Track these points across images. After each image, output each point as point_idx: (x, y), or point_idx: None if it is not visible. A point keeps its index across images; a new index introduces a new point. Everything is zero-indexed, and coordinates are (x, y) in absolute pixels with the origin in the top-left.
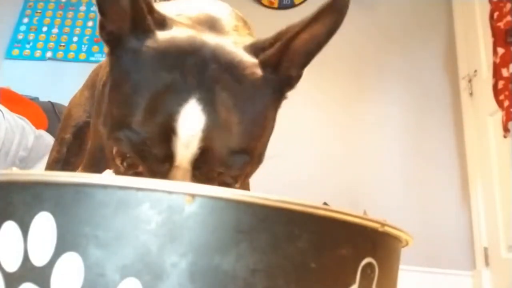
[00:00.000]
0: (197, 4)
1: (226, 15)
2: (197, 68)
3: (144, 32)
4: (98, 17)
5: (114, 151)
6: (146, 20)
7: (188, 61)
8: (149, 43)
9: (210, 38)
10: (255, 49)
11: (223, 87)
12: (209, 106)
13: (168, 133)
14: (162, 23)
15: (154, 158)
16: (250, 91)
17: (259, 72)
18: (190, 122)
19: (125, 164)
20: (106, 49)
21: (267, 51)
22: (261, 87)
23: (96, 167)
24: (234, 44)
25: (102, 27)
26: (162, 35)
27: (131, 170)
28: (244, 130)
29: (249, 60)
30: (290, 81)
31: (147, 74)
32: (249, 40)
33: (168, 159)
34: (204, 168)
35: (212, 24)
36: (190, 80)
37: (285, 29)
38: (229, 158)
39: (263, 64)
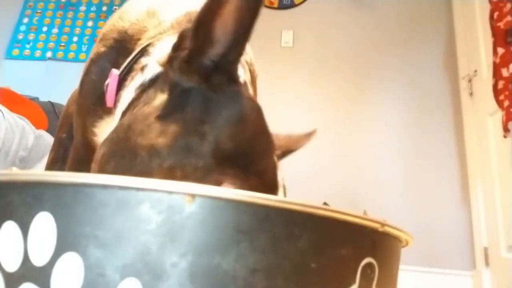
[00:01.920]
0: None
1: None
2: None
3: (218, 87)
4: (192, 44)
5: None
6: (225, 73)
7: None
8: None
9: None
10: None
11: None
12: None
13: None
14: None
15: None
16: None
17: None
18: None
19: None
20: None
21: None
22: None
23: (81, 164)
24: None
25: (191, 59)
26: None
27: None
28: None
29: None
30: None
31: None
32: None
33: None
34: None
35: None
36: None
37: (282, 139)
38: None
39: None
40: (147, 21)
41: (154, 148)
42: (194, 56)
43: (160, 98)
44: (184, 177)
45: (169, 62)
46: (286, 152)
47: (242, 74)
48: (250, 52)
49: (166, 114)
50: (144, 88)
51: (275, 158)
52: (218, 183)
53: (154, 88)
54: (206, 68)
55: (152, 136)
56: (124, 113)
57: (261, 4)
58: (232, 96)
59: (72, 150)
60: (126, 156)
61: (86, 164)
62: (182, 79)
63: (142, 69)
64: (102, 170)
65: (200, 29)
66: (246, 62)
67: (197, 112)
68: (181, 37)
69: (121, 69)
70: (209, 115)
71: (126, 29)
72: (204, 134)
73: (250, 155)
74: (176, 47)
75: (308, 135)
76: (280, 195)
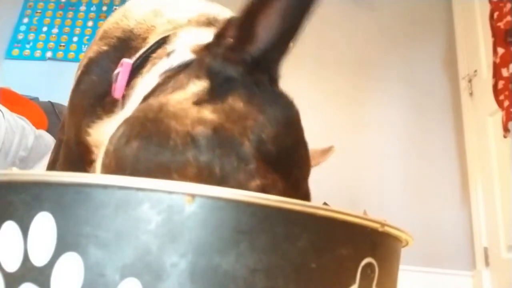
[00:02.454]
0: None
1: None
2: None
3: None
4: (239, 33)
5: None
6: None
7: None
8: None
9: None
10: None
11: None
12: None
13: None
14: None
15: None
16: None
17: None
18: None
19: None
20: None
21: None
22: None
23: (73, 164)
24: None
25: (242, 47)
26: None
27: None
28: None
29: None
30: None
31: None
32: None
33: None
34: None
35: None
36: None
37: None
38: None
39: None
40: (154, 20)
41: (191, 135)
42: (239, 45)
43: (196, 85)
44: (223, 177)
45: (209, 48)
46: None
47: None
48: None
49: (204, 101)
50: (172, 74)
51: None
52: (259, 190)
53: (185, 74)
54: (248, 62)
55: (189, 122)
56: (146, 98)
57: (312, 5)
58: (276, 96)
59: (64, 148)
60: (154, 139)
61: (78, 163)
62: (225, 68)
63: (168, 54)
64: (120, 151)
65: (247, 19)
66: None
67: (240, 105)
68: (227, 25)
69: (135, 58)
70: (253, 110)
71: (132, 28)
72: (246, 131)
73: (291, 162)
74: (220, 35)
75: (325, 152)
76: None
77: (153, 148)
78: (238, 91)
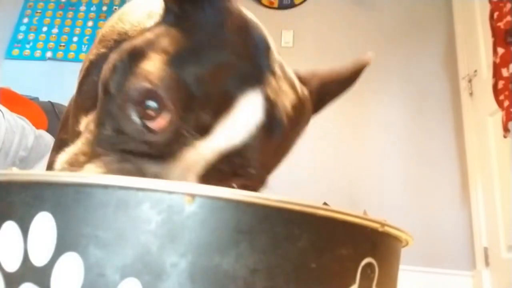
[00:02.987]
0: None
1: None
2: (275, 67)
3: None
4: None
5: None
6: None
7: (269, 52)
8: (241, 12)
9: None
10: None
11: (285, 97)
12: (270, 107)
13: (226, 105)
14: None
15: (194, 120)
16: (303, 114)
17: (307, 98)
18: (252, 110)
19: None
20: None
21: (309, 85)
22: (307, 116)
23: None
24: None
25: None
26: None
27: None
28: (282, 146)
29: (302, 88)
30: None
31: (229, 38)
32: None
33: (203, 130)
34: (225, 165)
35: None
36: (263, 73)
37: (321, 72)
38: (254, 164)
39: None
40: (148, 22)
41: (112, 64)
42: None
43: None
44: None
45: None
46: (326, 85)
47: None
48: None
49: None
50: None
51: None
52: (135, 83)
53: None
54: None
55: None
56: None
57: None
58: (220, 15)
59: (71, 152)
60: None
61: None
62: (166, 3)
63: None
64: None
65: None
66: None
67: (162, 31)
68: None
69: None
70: (172, 36)
71: (127, 30)
72: (159, 49)
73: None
74: None
75: (357, 66)
76: (245, 118)
77: None
78: (170, 23)
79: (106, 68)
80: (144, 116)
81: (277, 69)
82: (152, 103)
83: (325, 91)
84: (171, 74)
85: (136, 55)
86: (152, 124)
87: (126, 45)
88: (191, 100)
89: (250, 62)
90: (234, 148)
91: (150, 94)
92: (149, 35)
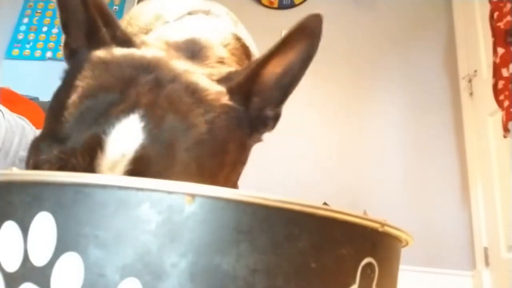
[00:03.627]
0: (188, 27)
1: (216, 44)
2: (149, 86)
3: (99, 45)
4: (63, 36)
5: (31, 161)
6: (100, 32)
7: (141, 77)
8: (101, 54)
9: (178, 64)
10: (226, 79)
11: (177, 109)
12: (153, 125)
13: (94, 147)
14: (126, 41)
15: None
16: (209, 118)
17: (224, 99)
18: (123, 139)
19: None
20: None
21: (236, 79)
22: (224, 117)
23: None
24: (207, 75)
25: (65, 45)
26: (119, 50)
27: None
28: (191, 160)
29: (215, 87)
30: (265, 121)
31: (89, 82)
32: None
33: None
34: None
35: (193, 53)
36: (138, 96)
37: (256, 59)
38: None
39: (230, 93)
40: (153, 24)
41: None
42: (65, 31)
43: None
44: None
45: None
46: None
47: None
48: (254, 49)
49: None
50: None
51: None
52: None
53: None
54: (71, 40)
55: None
56: None
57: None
58: (80, 63)
59: None
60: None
61: None
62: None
63: None
64: None
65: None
66: (237, 37)
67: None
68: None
69: None
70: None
71: (135, 34)
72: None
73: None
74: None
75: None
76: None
77: None
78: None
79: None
80: None
81: (158, 84)
82: None
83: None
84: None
85: None
86: None
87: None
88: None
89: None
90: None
91: None
92: None
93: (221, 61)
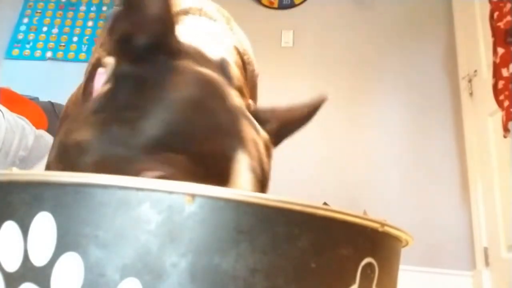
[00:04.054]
0: (192, 34)
1: (231, 62)
2: (245, 120)
3: (172, 54)
4: (123, 28)
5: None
6: (171, 38)
7: (230, 104)
8: (186, 67)
9: (235, 95)
10: (259, 121)
11: (257, 146)
12: (255, 163)
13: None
14: (185, 52)
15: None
16: (270, 158)
17: (267, 143)
18: (244, 172)
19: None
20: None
21: (268, 128)
22: (271, 156)
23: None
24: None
25: (127, 44)
26: (194, 65)
27: None
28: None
29: (262, 131)
30: None
31: (186, 96)
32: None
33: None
34: None
35: (225, 75)
36: (241, 130)
37: (280, 111)
38: None
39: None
40: None
41: (80, 144)
42: (125, 36)
43: (102, 91)
44: (106, 170)
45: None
46: (285, 125)
47: (232, 58)
48: (249, 49)
49: (100, 105)
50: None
51: (237, 141)
52: (139, 172)
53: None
54: (140, 47)
55: (82, 132)
56: None
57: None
58: (166, 73)
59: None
60: (63, 157)
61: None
62: (117, 65)
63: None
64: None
65: (130, 8)
66: (240, 51)
67: (129, 98)
68: (115, 19)
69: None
70: (140, 99)
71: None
72: (132, 121)
73: (186, 137)
74: (110, 31)
75: (314, 104)
76: (243, 180)
77: (63, 167)
78: (127, 85)
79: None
80: None
81: (246, 116)
82: None
83: (283, 130)
84: (182, 159)
85: (115, 139)
86: None
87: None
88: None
89: (224, 118)
90: None
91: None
92: (114, 111)
93: (239, 84)
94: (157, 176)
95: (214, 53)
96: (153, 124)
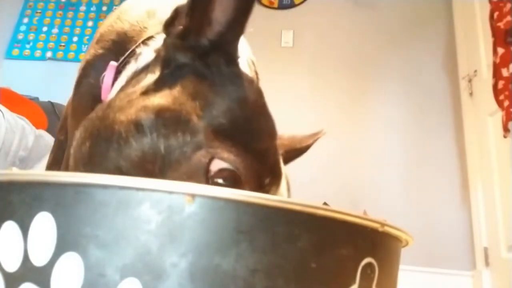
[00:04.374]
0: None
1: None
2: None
3: (229, 60)
4: (188, 21)
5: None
6: (236, 49)
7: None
8: (246, 74)
9: None
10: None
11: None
12: (287, 187)
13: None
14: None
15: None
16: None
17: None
18: (283, 179)
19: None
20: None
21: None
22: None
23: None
24: None
25: (192, 36)
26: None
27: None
28: None
29: None
30: None
31: (242, 101)
32: None
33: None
34: None
35: None
36: (275, 130)
37: (284, 139)
38: None
39: None
40: (147, 22)
41: (134, 122)
42: (189, 33)
43: (149, 78)
44: (169, 153)
45: (163, 41)
46: (290, 152)
47: (247, 71)
48: (251, 53)
49: (152, 90)
50: (136, 75)
51: (277, 147)
52: (209, 157)
53: (145, 72)
54: (203, 46)
55: (132, 111)
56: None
57: None
58: (232, 76)
59: (67, 153)
60: (102, 135)
61: None
62: (175, 55)
63: (136, 58)
64: (77, 152)
65: (197, 5)
66: (253, 63)
67: (189, 88)
68: (175, 14)
69: (120, 61)
70: (202, 92)
71: (126, 30)
72: (195, 108)
73: (247, 133)
74: (169, 24)
75: (314, 135)
76: (283, 184)
77: (102, 143)
78: (188, 76)
79: (121, 122)
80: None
81: None
82: (228, 181)
83: (286, 157)
84: (243, 152)
85: (177, 120)
86: None
87: (151, 103)
88: (260, 176)
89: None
90: None
91: (230, 175)
92: (177, 95)
93: None
94: (204, 154)
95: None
96: (218, 113)
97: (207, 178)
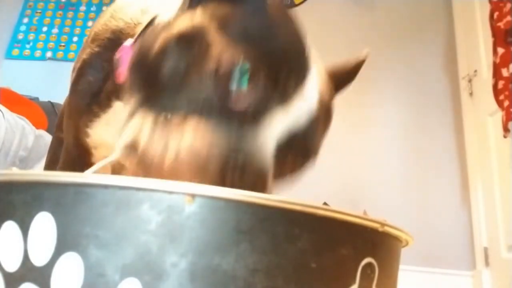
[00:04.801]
0: None
1: None
2: None
3: None
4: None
5: None
6: None
7: None
8: None
9: None
10: None
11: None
12: (320, 95)
13: (303, 79)
14: None
15: (280, 90)
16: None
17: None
18: (312, 92)
19: None
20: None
21: None
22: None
23: (74, 166)
24: None
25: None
26: None
27: None
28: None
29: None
30: None
31: None
32: None
33: (285, 100)
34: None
35: None
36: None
37: (331, 67)
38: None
39: None
40: (141, 18)
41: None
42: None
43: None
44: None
45: None
46: (335, 80)
47: None
48: None
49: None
50: None
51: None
52: (221, 55)
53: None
54: None
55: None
56: None
57: None
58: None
59: (64, 153)
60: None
61: (78, 166)
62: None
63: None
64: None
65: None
66: None
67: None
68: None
69: (134, 40)
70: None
71: (121, 28)
72: (213, 26)
73: (264, 39)
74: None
75: (359, 59)
76: (312, 81)
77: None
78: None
79: (149, 52)
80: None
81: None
82: (245, 79)
83: (334, 84)
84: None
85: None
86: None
87: (172, 30)
88: (279, 73)
89: (303, 47)
90: (298, 128)
91: (249, 71)
92: (199, 18)
93: None
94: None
95: None
96: (236, 25)
97: (219, 76)
